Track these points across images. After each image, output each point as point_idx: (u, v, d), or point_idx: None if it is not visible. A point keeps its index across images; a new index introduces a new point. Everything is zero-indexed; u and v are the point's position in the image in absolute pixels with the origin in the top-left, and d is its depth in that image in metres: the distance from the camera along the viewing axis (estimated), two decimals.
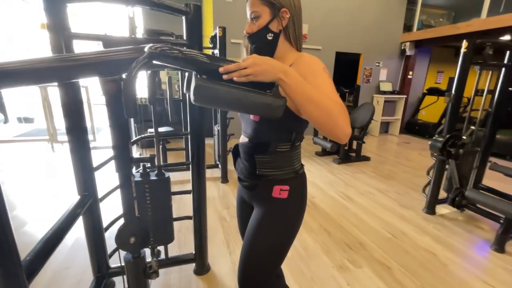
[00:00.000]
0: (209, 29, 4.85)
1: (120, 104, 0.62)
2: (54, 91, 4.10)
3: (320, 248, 1.92)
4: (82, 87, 4.20)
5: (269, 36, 0.74)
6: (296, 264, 1.75)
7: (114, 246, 1.52)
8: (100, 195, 1.39)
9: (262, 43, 0.76)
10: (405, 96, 5.99)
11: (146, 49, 0.58)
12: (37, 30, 5.85)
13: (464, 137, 2.11)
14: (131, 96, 0.56)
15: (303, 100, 0.60)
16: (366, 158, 4.10)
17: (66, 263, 1.69)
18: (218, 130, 3.20)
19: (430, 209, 2.46)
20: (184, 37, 1.29)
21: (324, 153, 4.28)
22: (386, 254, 1.88)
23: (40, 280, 1.52)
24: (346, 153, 4.06)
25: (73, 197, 1.25)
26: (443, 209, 2.54)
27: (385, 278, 1.65)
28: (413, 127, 6.26)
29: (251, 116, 0.80)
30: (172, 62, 0.56)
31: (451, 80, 7.13)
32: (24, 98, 6.47)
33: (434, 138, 2.23)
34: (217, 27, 2.63)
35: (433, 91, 6.07)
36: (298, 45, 0.80)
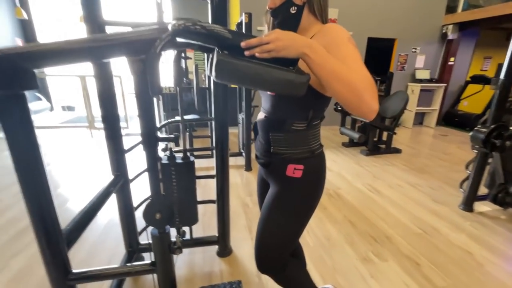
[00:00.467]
0: (236, 16, 4.81)
1: (146, 83, 0.64)
2: (92, 81, 4.39)
3: (344, 239, 1.88)
4: (116, 77, 4.43)
5: (293, 10, 0.71)
6: (318, 253, 1.73)
7: (144, 225, 1.63)
8: (131, 177, 1.47)
9: (285, 17, 0.73)
10: (445, 84, 5.51)
11: (169, 27, 0.58)
12: (77, 24, 6.24)
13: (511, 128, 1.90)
14: (155, 74, 0.58)
15: (328, 76, 0.57)
16: (397, 150, 3.88)
17: (102, 238, 1.84)
18: (242, 119, 3.22)
19: (468, 205, 2.27)
20: (210, 22, 1.29)
21: (351, 144, 4.13)
22: (414, 249, 1.79)
23: (79, 252, 1.67)
24: (375, 144, 3.88)
25: (108, 178, 1.34)
26: (482, 206, 2.34)
27: (412, 273, 1.57)
28: (452, 118, 5.76)
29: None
30: (194, 37, 0.56)
31: (500, 66, 6.39)
32: (67, 88, 7.00)
33: (476, 128, 2.03)
34: (243, 13, 2.59)
35: (478, 79, 5.50)
36: (324, 17, 0.75)
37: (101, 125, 1.35)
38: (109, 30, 1.19)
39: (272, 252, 0.88)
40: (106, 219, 2.04)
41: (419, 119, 6.02)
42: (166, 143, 1.53)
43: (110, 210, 2.09)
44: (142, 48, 0.64)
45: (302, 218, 0.88)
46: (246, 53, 0.56)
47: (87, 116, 4.41)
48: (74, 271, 0.86)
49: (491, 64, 6.47)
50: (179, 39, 0.60)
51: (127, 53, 0.66)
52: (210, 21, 1.32)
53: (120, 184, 1.38)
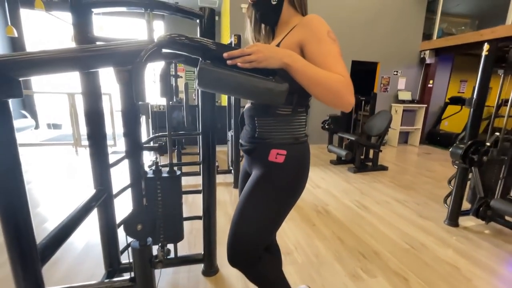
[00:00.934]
0: (227, 37, 5.00)
1: (131, 92, 0.66)
2: (80, 99, 4.37)
3: (333, 256, 1.86)
4: (105, 95, 4.43)
5: (273, 1, 0.75)
6: (307, 271, 1.69)
7: (126, 243, 1.56)
8: (115, 192, 1.44)
9: (266, 9, 0.76)
10: (425, 105, 5.79)
11: (156, 39, 0.61)
12: (68, 43, 6.31)
13: (487, 144, 1.99)
14: (139, 82, 0.60)
15: (309, 82, 0.61)
16: (384, 168, 3.96)
17: (81, 257, 1.74)
18: (232, 136, 3.24)
19: (453, 220, 2.31)
20: None
21: (339, 161, 4.19)
22: (403, 265, 1.78)
23: (55, 272, 1.57)
24: (362, 162, 3.96)
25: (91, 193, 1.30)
26: (467, 221, 2.38)
27: None
28: (435, 137, 6.00)
29: None
30: (179, 48, 0.59)
31: (474, 89, 6.82)
32: (54, 106, 6.91)
33: (455, 145, 2.12)
34: (233, 35, 2.71)
35: (456, 100, 5.82)
36: (303, 9, 0.80)
37: (87, 142, 1.33)
38: None
39: (247, 241, 0.85)
40: (85, 238, 1.95)
41: (404, 138, 6.23)
42: (153, 159, 1.52)
43: (90, 228, 2.01)
44: (129, 59, 0.66)
45: (280, 207, 0.86)
46: (229, 62, 0.59)
47: (73, 134, 4.33)
48: (48, 287, 0.81)
49: (467, 87, 6.89)
50: (165, 51, 0.63)
51: (114, 64, 0.68)
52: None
53: (102, 198, 1.34)
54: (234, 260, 0.90)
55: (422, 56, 5.83)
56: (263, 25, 0.88)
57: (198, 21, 1.31)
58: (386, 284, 1.60)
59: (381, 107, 5.69)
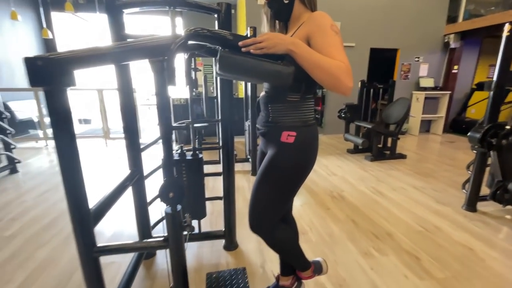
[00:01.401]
0: (243, 30, 5.09)
1: (164, 80, 0.79)
2: (108, 95, 4.68)
3: (346, 236, 1.95)
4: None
5: (286, 0, 0.85)
6: (320, 248, 1.80)
7: (156, 219, 1.75)
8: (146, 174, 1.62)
9: (279, 7, 0.87)
10: (449, 92, 5.56)
11: (183, 32, 0.74)
12: (97, 43, 6.70)
13: (508, 127, 1.96)
14: (171, 69, 0.72)
15: (310, 66, 0.71)
16: (402, 156, 3.92)
17: (120, 228, 1.97)
18: (249, 126, 3.37)
19: (471, 206, 2.30)
20: None
21: (356, 150, 4.19)
22: (415, 245, 1.84)
23: (103, 236, 1.80)
24: (380, 150, 3.94)
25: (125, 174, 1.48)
26: (486, 206, 2.36)
27: (412, 266, 1.62)
28: (460, 125, 5.75)
29: None
30: (202, 39, 0.71)
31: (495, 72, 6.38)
32: (84, 103, 7.40)
33: (473, 129, 2.10)
34: (248, 28, 2.80)
35: (483, 86, 5.53)
36: (313, 6, 0.89)
37: (116, 135, 1.49)
38: None
39: (263, 212, 0.99)
40: (121, 217, 2.18)
41: (426, 126, 6.03)
42: (178, 146, 1.67)
43: (125, 209, 2.24)
44: (161, 51, 0.79)
45: (291, 182, 0.97)
46: (243, 49, 0.70)
47: (103, 127, 4.67)
48: (98, 245, 0.99)
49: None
50: (190, 42, 0.76)
51: (149, 55, 0.81)
52: None
53: (135, 178, 1.52)
54: (253, 228, 1.03)
55: (446, 40, 5.57)
56: (277, 21, 0.98)
57: (215, 15, 1.42)
58: (397, 261, 1.67)
59: (401, 95, 5.54)
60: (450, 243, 1.86)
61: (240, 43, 0.70)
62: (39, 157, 3.98)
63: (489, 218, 2.19)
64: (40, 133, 4.85)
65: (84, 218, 0.95)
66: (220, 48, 0.71)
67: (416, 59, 5.64)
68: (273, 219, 1.02)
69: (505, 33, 1.93)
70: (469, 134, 2.11)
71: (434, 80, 5.70)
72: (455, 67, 5.62)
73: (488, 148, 2.00)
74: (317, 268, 1.23)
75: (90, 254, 0.97)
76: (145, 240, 1.08)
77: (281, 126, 0.93)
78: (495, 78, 2.01)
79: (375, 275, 1.55)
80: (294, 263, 1.17)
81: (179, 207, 0.99)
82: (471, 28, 4.99)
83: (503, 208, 2.25)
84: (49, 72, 0.77)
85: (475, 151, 2.19)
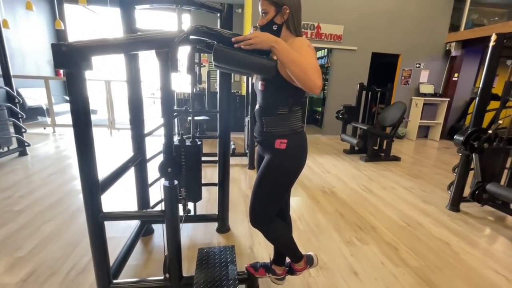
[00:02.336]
0: (249, 28, 5.22)
1: (168, 68, 0.93)
2: (115, 86, 4.84)
3: (332, 227, 2.07)
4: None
5: (274, 27, 0.99)
6: (306, 236, 1.93)
7: (156, 200, 1.89)
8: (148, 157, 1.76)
9: (269, 32, 1.00)
10: (448, 99, 5.65)
11: (185, 29, 0.87)
12: (107, 35, 6.90)
13: (489, 131, 2.07)
14: (174, 59, 0.86)
15: (287, 60, 0.84)
16: (396, 158, 4.03)
17: (123, 207, 2.11)
18: (248, 121, 3.50)
19: (454, 206, 2.42)
20: None
21: (352, 151, 4.31)
22: (396, 238, 1.96)
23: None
24: (375, 151, 4.05)
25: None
26: (469, 207, 2.47)
27: (389, 255, 1.75)
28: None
29: (259, 87, 1.06)
30: (202, 35, 0.84)
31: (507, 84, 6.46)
32: (91, 93, 7.59)
33: (458, 132, 2.22)
34: (252, 27, 2.94)
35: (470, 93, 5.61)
36: (298, 32, 1.03)
37: (120, 126, 1.61)
38: None
39: (260, 209, 1.13)
40: (124, 198, 2.33)
41: (424, 132, 6.13)
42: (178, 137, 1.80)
43: (128, 192, 2.39)
44: (166, 42, 0.93)
45: (285, 181, 1.12)
46: (235, 45, 0.84)
47: (109, 118, 4.83)
48: (104, 211, 1.13)
49: (498, 81, 6.54)
50: (192, 37, 0.89)
51: (156, 47, 0.95)
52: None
53: (138, 160, 1.66)
54: (253, 223, 1.17)
55: (447, 48, 5.66)
56: None
57: (218, 14, 1.56)
58: (376, 250, 1.80)
59: (401, 100, 5.65)
60: (429, 238, 1.98)
61: (232, 39, 0.83)
62: (47, 142, 4.15)
63: (470, 218, 2.31)
64: (48, 120, 5.03)
65: (93, 187, 1.09)
66: (216, 42, 0.85)
67: (417, 65, 5.74)
68: (270, 215, 1.17)
69: (491, 43, 2.04)
70: (454, 137, 2.23)
71: (434, 86, 5.80)
72: (456, 75, 5.71)
73: (471, 151, 2.12)
74: (309, 260, 1.36)
75: (97, 219, 1.11)
76: (144, 210, 1.22)
77: (274, 135, 1.08)
78: (480, 86, 2.13)
79: (354, 261, 1.68)
80: (289, 255, 1.30)
81: (175, 182, 1.13)
82: (472, 37, 5.08)
83: (481, 207, 2.36)
84: (72, 57, 0.91)
85: (460, 154, 2.31)
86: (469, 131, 2.10)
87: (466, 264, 1.70)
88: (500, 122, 2.11)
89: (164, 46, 0.94)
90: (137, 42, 0.96)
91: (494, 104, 2.79)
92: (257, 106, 1.16)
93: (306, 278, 1.51)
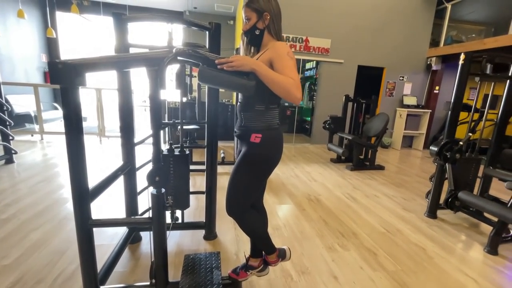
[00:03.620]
0: (239, 40, 5.37)
1: (157, 84, 1.01)
2: (105, 94, 4.87)
3: (315, 233, 2.16)
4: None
5: (257, 32, 1.10)
6: (290, 242, 2.00)
7: (144, 208, 1.94)
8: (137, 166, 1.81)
9: (252, 37, 1.12)
10: (430, 111, 5.92)
11: (173, 50, 0.96)
12: (97, 42, 6.94)
13: (461, 143, 2.23)
14: (162, 77, 0.95)
15: (268, 81, 0.94)
16: (381, 167, 4.18)
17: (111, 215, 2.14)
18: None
19: (432, 213, 2.55)
20: (207, 46, 1.70)
21: (338, 160, 4.45)
22: (376, 244, 2.06)
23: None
24: (361, 161, 4.20)
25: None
26: (445, 214, 2.61)
27: (368, 260, 1.84)
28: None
29: None
30: (188, 57, 0.93)
31: (485, 97, 6.83)
32: (81, 101, 7.54)
33: (434, 143, 2.37)
34: (235, 50, 3.06)
35: (464, 108, 5.90)
36: (278, 36, 1.14)
37: (110, 133, 1.66)
38: (132, 50, 1.60)
39: (235, 199, 1.21)
40: (112, 205, 2.35)
41: (408, 142, 6.36)
42: (168, 146, 1.87)
43: (117, 200, 2.41)
44: (156, 62, 1.02)
45: (258, 174, 1.20)
46: (219, 67, 0.93)
47: (99, 125, 4.83)
48: (93, 218, 1.18)
49: (479, 94, 6.91)
50: (180, 58, 0.98)
51: (146, 65, 1.03)
52: (207, 45, 1.74)
53: (127, 169, 1.72)
54: (228, 211, 1.25)
55: (428, 62, 5.97)
56: (252, 47, 1.23)
57: (207, 32, 1.66)
58: (356, 256, 1.88)
59: (386, 111, 5.88)
60: (406, 243, 2.09)
61: (216, 61, 0.93)
62: (34, 150, 4.12)
63: (446, 224, 2.44)
64: (36, 127, 4.99)
65: (83, 194, 1.15)
66: (201, 64, 0.94)
67: (401, 78, 6.01)
68: (245, 204, 1.24)
69: (460, 61, 2.22)
70: (430, 147, 2.38)
71: (417, 98, 6.07)
72: (437, 87, 6.01)
73: (444, 161, 2.26)
74: (281, 254, 1.44)
75: (86, 225, 1.16)
76: (132, 217, 1.27)
77: (251, 129, 1.16)
78: (452, 100, 2.29)
79: (335, 266, 1.76)
80: (262, 246, 1.37)
81: (163, 190, 1.19)
82: (450, 53, 5.39)
83: (456, 214, 2.50)
84: (67, 73, 0.99)
85: (436, 163, 2.46)
86: (442, 142, 2.25)
87: (439, 268, 1.81)
88: (470, 134, 2.27)
89: (154, 65, 1.03)
90: (129, 60, 1.04)
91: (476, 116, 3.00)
92: (238, 102, 1.25)
93: (288, 282, 1.58)
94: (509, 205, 1.92)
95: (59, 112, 5.95)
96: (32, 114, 5.14)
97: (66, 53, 7.00)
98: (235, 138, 3.99)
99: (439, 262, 1.88)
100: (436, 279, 1.69)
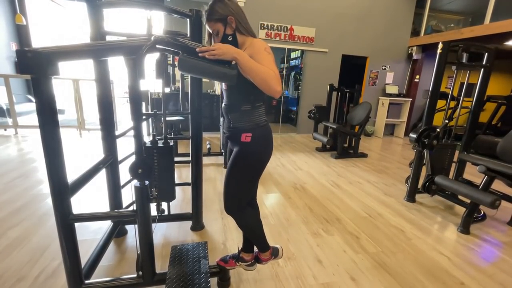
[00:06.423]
0: None
1: (136, 73, 0.98)
2: (84, 85, 4.65)
3: (301, 220, 2.21)
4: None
5: (229, 38, 1.08)
6: (277, 230, 2.05)
7: (128, 202, 1.91)
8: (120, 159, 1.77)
9: (227, 42, 1.09)
10: (411, 99, 6.10)
11: (152, 38, 0.93)
12: (72, 30, 6.56)
13: (438, 130, 2.32)
14: (142, 67, 0.91)
15: (248, 70, 0.93)
16: (364, 155, 4.30)
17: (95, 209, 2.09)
18: (223, 121, 3.57)
19: (411, 197, 2.67)
20: (188, 34, 1.66)
21: (324, 149, 4.53)
22: (358, 228, 2.14)
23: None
24: (345, 149, 4.30)
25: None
26: (424, 198, 2.75)
27: (351, 244, 1.92)
28: None
29: (224, 87, 1.14)
30: (167, 45, 0.91)
31: (461, 85, 7.12)
32: (58, 92, 7.18)
33: (413, 130, 2.45)
34: None
35: (441, 95, 6.12)
36: (250, 32, 1.13)
37: (91, 126, 1.59)
38: (109, 38, 1.53)
39: (232, 198, 1.23)
40: (96, 200, 2.30)
41: (390, 130, 6.56)
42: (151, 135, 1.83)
43: (101, 189, 2.36)
44: (134, 50, 0.98)
45: (252, 172, 1.22)
46: (200, 55, 0.91)
47: (77, 118, 4.64)
48: (74, 213, 1.15)
49: (456, 83, 7.17)
50: (159, 46, 0.95)
51: (123, 54, 0.99)
52: (188, 33, 1.69)
53: (109, 162, 1.67)
54: (226, 209, 1.26)
55: (410, 52, 6.10)
56: None
57: (188, 20, 1.61)
58: (340, 240, 1.96)
59: (369, 100, 6.01)
60: (387, 226, 2.19)
61: (197, 50, 0.90)
62: (8, 145, 3.91)
63: (423, 208, 2.57)
64: (9, 121, 4.72)
65: (62, 189, 1.11)
66: (181, 52, 0.91)
67: (383, 67, 6.13)
68: (242, 202, 1.26)
69: (438, 51, 2.28)
70: (410, 134, 2.46)
71: (398, 87, 6.23)
72: (417, 76, 6.18)
73: (422, 147, 2.36)
74: (275, 252, 1.47)
75: (67, 221, 1.13)
76: (115, 210, 1.25)
77: (240, 130, 1.17)
78: (430, 88, 2.37)
79: (319, 250, 1.82)
80: (257, 243, 1.39)
81: (146, 182, 1.18)
82: (430, 42, 5.53)
83: (433, 198, 2.64)
84: (38, 63, 0.93)
85: (414, 150, 2.56)
86: (420, 130, 2.33)
87: (416, 248, 1.92)
88: (447, 121, 2.37)
89: (132, 54, 0.99)
90: (105, 49, 1.00)
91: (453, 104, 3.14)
92: (223, 104, 1.24)
93: (275, 268, 1.63)
94: (480, 187, 2.04)
95: (34, 105, 5.65)
96: (4, 107, 4.85)
97: (39, 42, 6.58)
98: (221, 128, 3.97)
99: (416, 242, 1.99)
100: (414, 258, 1.79)
